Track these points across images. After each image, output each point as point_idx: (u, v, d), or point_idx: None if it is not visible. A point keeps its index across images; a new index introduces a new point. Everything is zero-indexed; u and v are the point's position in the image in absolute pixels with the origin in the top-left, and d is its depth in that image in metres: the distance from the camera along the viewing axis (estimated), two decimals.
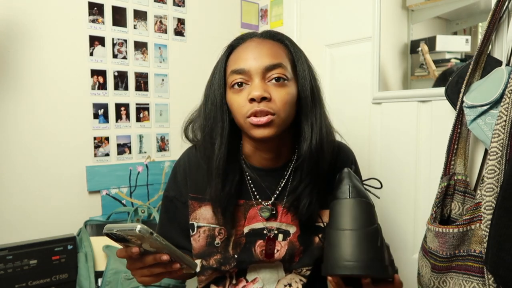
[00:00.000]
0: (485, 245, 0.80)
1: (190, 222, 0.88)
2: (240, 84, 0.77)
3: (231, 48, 0.83)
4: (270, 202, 0.86)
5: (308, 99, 0.79)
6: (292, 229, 0.87)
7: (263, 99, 0.74)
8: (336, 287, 0.72)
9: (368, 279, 0.69)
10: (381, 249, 0.70)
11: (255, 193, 0.87)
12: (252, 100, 0.74)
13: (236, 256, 0.86)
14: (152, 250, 0.66)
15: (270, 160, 0.86)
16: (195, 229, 0.88)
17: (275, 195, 0.87)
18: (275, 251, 0.86)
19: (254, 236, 0.86)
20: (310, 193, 0.83)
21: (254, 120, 0.74)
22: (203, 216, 0.87)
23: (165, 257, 0.65)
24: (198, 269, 0.88)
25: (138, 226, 0.59)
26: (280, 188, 0.87)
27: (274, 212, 0.86)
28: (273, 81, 0.76)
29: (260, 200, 0.87)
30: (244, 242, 0.86)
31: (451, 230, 0.86)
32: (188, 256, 0.69)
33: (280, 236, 0.87)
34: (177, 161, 0.94)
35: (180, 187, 0.91)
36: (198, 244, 0.88)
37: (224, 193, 0.82)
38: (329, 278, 0.73)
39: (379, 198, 0.78)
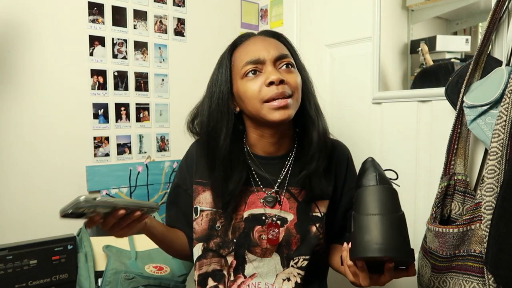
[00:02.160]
0: (485, 245, 0.80)
1: (194, 206, 0.93)
2: (254, 72, 0.83)
3: (234, 46, 0.90)
4: (273, 190, 0.91)
5: (309, 89, 0.89)
6: (290, 217, 0.91)
7: (281, 82, 0.81)
8: (359, 271, 0.73)
9: (392, 264, 0.71)
10: (407, 234, 0.72)
11: (257, 180, 0.91)
12: (270, 84, 0.80)
13: (234, 240, 0.90)
14: (109, 211, 0.71)
15: (272, 147, 0.91)
16: (198, 212, 0.92)
17: (278, 183, 0.91)
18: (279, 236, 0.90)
19: (253, 221, 0.90)
20: (315, 174, 0.88)
21: (275, 104, 0.80)
22: (206, 200, 0.92)
23: (121, 211, 0.71)
24: (200, 252, 0.92)
25: (82, 197, 0.65)
26: (282, 177, 0.91)
27: (278, 199, 0.91)
28: (284, 67, 0.84)
29: (261, 186, 0.91)
30: (243, 227, 0.90)
31: (451, 230, 0.86)
32: (144, 201, 0.75)
33: (278, 223, 0.90)
34: (187, 151, 1.01)
35: (184, 175, 0.98)
36: (201, 227, 0.91)
37: (227, 184, 0.87)
38: (350, 263, 0.74)
39: (399, 186, 0.80)
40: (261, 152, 0.92)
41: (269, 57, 0.83)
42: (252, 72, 0.83)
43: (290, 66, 0.85)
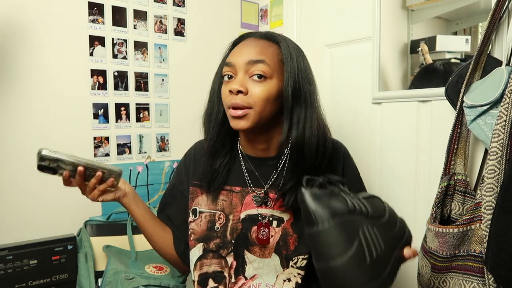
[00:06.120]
0: (485, 245, 0.80)
1: (193, 208, 0.95)
2: (230, 77, 0.85)
3: (234, 45, 0.92)
4: (262, 190, 0.92)
5: (288, 99, 0.83)
6: (286, 216, 0.92)
7: (239, 92, 0.81)
8: None
9: None
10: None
11: (249, 180, 0.93)
12: (231, 92, 0.82)
13: (233, 241, 0.91)
14: (72, 168, 0.81)
15: (261, 151, 0.93)
16: (197, 214, 0.95)
17: (268, 184, 0.92)
18: (270, 236, 0.91)
19: (250, 222, 0.92)
20: (295, 184, 0.86)
21: (232, 112, 0.83)
22: (205, 203, 0.94)
23: (80, 168, 0.81)
24: (200, 252, 0.93)
25: (43, 149, 0.77)
26: (273, 178, 0.92)
27: (266, 200, 0.92)
28: (255, 77, 0.82)
29: (253, 187, 0.93)
30: (241, 227, 0.92)
31: (451, 230, 0.87)
32: (106, 164, 0.85)
33: (274, 223, 0.92)
34: (185, 152, 1.04)
35: (181, 176, 1.01)
36: (200, 228, 0.94)
37: (211, 170, 0.91)
38: None
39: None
40: (252, 153, 0.94)
41: (240, 62, 0.83)
42: (228, 76, 0.85)
43: (262, 76, 0.81)
